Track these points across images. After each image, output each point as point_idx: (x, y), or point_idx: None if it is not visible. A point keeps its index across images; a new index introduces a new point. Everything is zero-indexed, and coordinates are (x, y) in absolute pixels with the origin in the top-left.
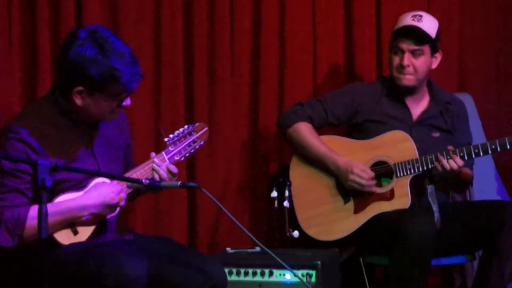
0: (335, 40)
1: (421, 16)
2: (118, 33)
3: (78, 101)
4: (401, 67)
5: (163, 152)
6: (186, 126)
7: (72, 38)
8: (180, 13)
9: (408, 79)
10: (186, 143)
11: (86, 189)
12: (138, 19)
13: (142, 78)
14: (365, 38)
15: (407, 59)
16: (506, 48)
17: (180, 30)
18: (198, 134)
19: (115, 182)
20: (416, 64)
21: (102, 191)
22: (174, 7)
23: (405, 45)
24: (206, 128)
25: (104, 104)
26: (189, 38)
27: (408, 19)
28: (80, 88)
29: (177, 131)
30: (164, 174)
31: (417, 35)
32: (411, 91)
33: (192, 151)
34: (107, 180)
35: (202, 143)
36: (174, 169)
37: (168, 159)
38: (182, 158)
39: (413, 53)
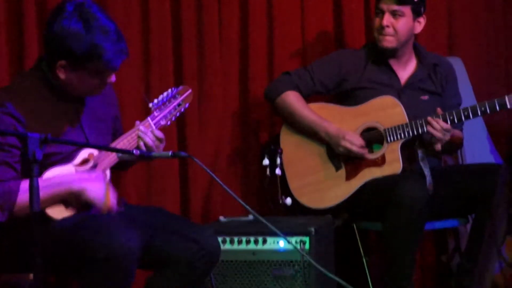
0: (324, 8)
1: None
2: (106, 3)
3: (62, 75)
4: (381, 28)
5: (148, 118)
6: (169, 90)
7: (58, 11)
8: None
9: (388, 40)
10: (171, 107)
11: (74, 161)
12: None
13: (127, 56)
14: (353, 4)
15: (387, 19)
16: (495, 9)
17: (168, 9)
18: (182, 97)
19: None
20: (396, 26)
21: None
22: None
23: (385, 6)
24: (190, 90)
25: (87, 80)
26: (177, 8)
27: None
28: (63, 62)
29: (161, 96)
30: (150, 141)
31: None
32: (393, 53)
33: (177, 114)
34: (95, 152)
35: (187, 105)
36: (159, 134)
37: (154, 124)
38: (169, 123)
39: (393, 14)
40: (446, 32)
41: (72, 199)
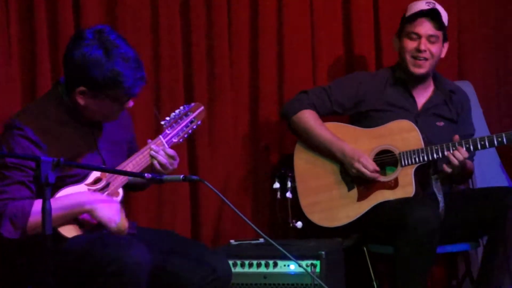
0: (334, 31)
1: (434, 3)
2: (116, 24)
3: (81, 101)
4: (418, 51)
5: (160, 136)
6: (182, 107)
7: (78, 38)
8: (178, 10)
9: (423, 66)
10: (183, 124)
11: (86, 181)
12: (135, 12)
13: (146, 83)
14: (363, 28)
15: (424, 43)
16: (503, 34)
17: (178, 32)
18: (194, 114)
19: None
20: (432, 50)
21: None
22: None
23: (423, 30)
24: (202, 107)
25: (106, 106)
26: (188, 31)
27: (422, 4)
28: (83, 88)
29: (173, 113)
30: (163, 159)
31: (437, 19)
32: (422, 79)
33: (190, 131)
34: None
35: (199, 122)
36: (171, 152)
37: (167, 142)
38: (181, 140)
39: (429, 39)
40: (456, 57)
41: (84, 218)
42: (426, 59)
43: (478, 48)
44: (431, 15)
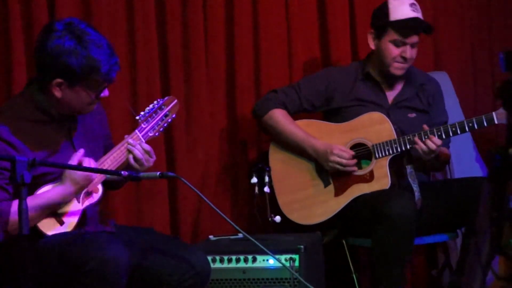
0: (309, 26)
1: (416, 4)
2: (91, 19)
3: (58, 94)
4: (404, 59)
5: (136, 130)
6: (155, 101)
7: (48, 31)
8: (153, 6)
9: (405, 68)
10: (158, 118)
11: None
12: (110, 7)
13: (120, 68)
14: (339, 24)
15: (410, 51)
16: (480, 25)
17: (154, 28)
18: (168, 108)
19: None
20: (414, 55)
21: (77, 177)
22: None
23: (410, 40)
24: (175, 101)
25: (84, 96)
26: (163, 26)
27: (407, 10)
28: (60, 80)
29: (147, 108)
30: (139, 154)
31: (423, 29)
32: (396, 77)
33: (165, 125)
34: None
35: (174, 116)
36: (147, 147)
37: (143, 136)
38: (157, 134)
39: (413, 45)
40: (432, 47)
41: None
42: (408, 62)
43: (454, 39)
44: (420, 24)
